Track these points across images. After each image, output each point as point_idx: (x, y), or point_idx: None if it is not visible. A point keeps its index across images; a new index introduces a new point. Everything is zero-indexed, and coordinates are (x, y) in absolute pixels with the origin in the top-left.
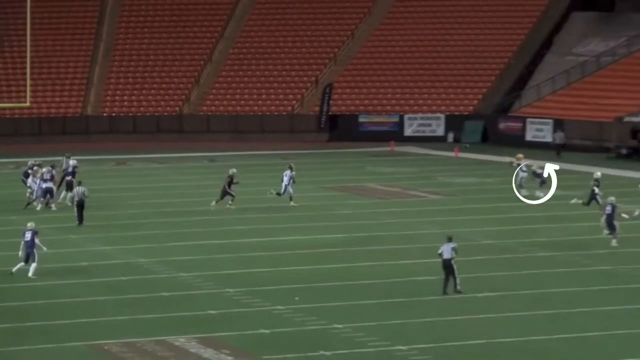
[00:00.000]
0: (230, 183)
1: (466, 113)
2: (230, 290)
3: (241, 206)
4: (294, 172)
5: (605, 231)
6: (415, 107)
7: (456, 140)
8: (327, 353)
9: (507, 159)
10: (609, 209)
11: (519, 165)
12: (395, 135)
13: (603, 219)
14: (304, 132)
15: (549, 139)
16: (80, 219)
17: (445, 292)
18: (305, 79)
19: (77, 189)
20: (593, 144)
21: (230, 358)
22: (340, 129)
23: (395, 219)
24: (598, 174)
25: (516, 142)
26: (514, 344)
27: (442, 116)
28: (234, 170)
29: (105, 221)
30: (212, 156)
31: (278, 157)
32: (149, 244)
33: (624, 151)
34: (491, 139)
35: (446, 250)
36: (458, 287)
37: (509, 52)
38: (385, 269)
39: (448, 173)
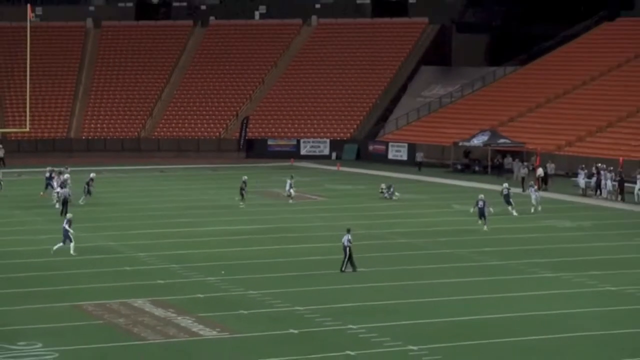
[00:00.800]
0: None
1: (345, 138)
2: (175, 265)
3: (182, 205)
4: (293, 180)
5: (480, 221)
6: (309, 133)
7: (338, 157)
8: (245, 312)
9: (373, 172)
10: (480, 203)
11: (385, 191)
12: (294, 153)
13: (474, 210)
14: (228, 151)
15: (404, 157)
16: (64, 211)
17: (342, 270)
18: (229, 112)
19: (64, 190)
20: (437, 161)
21: (174, 315)
22: (254, 149)
23: (294, 214)
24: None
25: (381, 160)
26: (385, 306)
27: (328, 140)
28: (245, 177)
29: (83, 215)
30: (161, 168)
31: (209, 170)
32: (116, 231)
33: (458, 167)
34: (363, 157)
35: (345, 239)
36: (352, 267)
37: (376, 94)
38: (288, 250)
39: (332, 182)
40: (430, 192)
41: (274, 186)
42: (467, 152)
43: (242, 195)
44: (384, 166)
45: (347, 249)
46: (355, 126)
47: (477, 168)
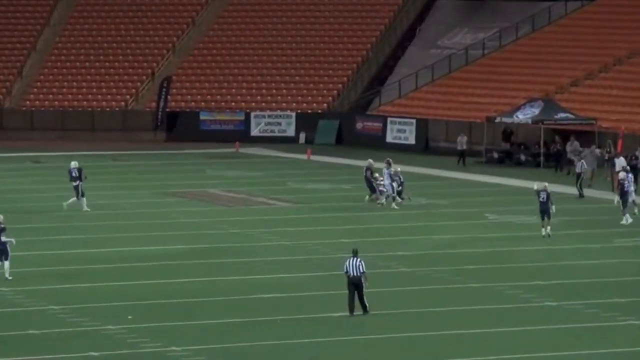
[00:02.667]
0: (370, 175)
1: (319, 111)
2: (56, 307)
3: (65, 215)
4: (392, 169)
5: (543, 220)
6: (263, 104)
7: (309, 141)
8: None
9: (363, 163)
10: (543, 196)
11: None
12: (241, 135)
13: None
14: (139, 130)
15: (411, 140)
16: None
17: (351, 312)
18: (140, 71)
19: None
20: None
21: None
22: (179, 127)
23: (239, 228)
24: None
25: (375, 144)
26: None
27: (293, 114)
28: (370, 161)
29: None
30: (36, 157)
31: (108, 159)
32: None
33: (495, 155)
34: (347, 140)
35: (354, 265)
36: (362, 308)
37: (367, 45)
38: (227, 284)
39: (299, 178)
40: (452, 194)
41: (208, 185)
42: (508, 133)
43: (373, 189)
44: (380, 153)
45: (361, 278)
46: (334, 93)
47: (523, 157)
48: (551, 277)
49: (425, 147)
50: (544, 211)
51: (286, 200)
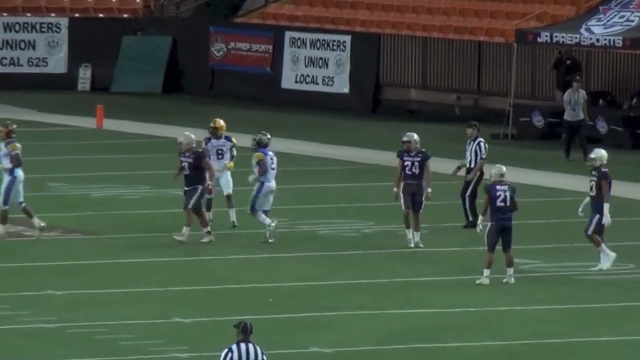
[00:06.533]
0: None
1: (125, 16)
2: None
3: None
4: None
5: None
6: None
7: (98, 85)
8: None
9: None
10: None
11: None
12: None
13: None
14: None
15: (342, 86)
16: None
17: None
18: None
19: None
20: (451, 106)
21: None
22: None
23: None
24: None
25: (259, 92)
26: None
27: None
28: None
29: None
30: None
31: None
32: None
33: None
34: (195, 84)
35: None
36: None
37: None
38: None
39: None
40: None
41: None
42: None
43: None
44: (265, 115)
45: None
46: None
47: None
48: None
49: (374, 102)
50: None
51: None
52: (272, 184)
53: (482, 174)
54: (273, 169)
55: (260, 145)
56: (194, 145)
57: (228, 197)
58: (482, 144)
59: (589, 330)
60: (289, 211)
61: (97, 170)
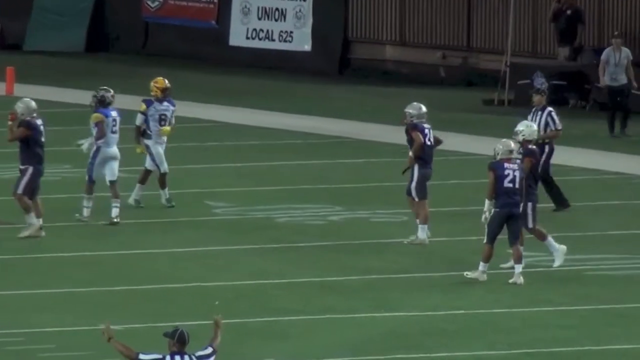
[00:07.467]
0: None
1: None
2: None
3: None
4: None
5: None
6: None
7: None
8: None
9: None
10: None
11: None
12: None
13: None
14: None
15: (302, 43)
16: None
17: None
18: None
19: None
20: (436, 67)
21: None
22: None
23: None
24: None
25: (205, 48)
26: None
27: None
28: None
29: None
30: None
31: None
32: None
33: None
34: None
35: None
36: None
37: None
38: None
39: None
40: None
41: None
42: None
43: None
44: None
45: None
46: None
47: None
48: None
49: (342, 62)
50: None
51: None
52: (113, 149)
53: (552, 149)
54: (114, 132)
55: (103, 104)
56: (34, 114)
57: (148, 172)
58: (553, 114)
59: (602, 337)
60: (239, 194)
61: (5, 147)
